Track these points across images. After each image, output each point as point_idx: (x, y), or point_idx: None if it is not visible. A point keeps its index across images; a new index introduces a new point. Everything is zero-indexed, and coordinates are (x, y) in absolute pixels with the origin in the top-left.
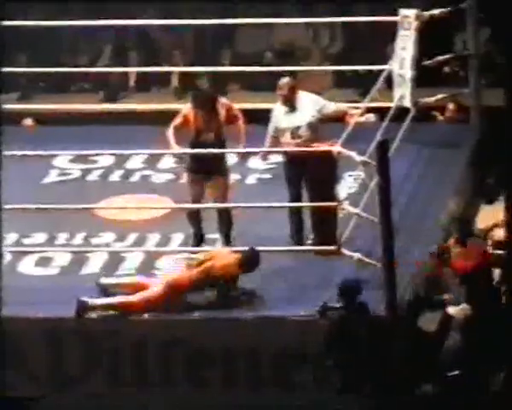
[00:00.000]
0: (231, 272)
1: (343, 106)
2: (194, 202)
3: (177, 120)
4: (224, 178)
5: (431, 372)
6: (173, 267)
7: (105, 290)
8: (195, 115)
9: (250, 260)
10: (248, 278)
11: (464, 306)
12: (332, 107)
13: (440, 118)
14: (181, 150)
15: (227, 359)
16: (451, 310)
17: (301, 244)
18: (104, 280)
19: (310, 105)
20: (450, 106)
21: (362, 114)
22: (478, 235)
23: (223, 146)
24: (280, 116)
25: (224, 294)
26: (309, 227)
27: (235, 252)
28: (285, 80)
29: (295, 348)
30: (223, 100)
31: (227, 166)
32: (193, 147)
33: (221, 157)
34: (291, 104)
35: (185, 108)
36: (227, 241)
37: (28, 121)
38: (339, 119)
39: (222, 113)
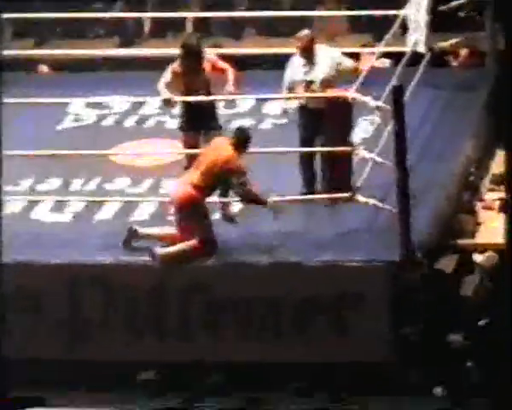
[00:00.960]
0: (234, 162)
1: (360, 65)
2: (190, 159)
3: (168, 76)
4: (219, 134)
5: (457, 320)
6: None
7: (135, 237)
8: (184, 71)
9: (244, 140)
10: (262, 225)
11: (491, 253)
12: (349, 64)
13: (454, 63)
14: (195, 98)
15: (247, 307)
16: (478, 258)
17: (313, 193)
18: (138, 228)
19: (327, 60)
20: (463, 51)
21: (376, 59)
22: (494, 180)
23: (213, 104)
24: (296, 68)
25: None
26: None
27: (226, 140)
28: (304, 32)
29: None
30: (207, 56)
31: (220, 123)
32: (185, 106)
33: (213, 114)
34: (308, 57)
35: (174, 65)
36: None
37: (44, 68)
38: (353, 73)
39: (207, 68)
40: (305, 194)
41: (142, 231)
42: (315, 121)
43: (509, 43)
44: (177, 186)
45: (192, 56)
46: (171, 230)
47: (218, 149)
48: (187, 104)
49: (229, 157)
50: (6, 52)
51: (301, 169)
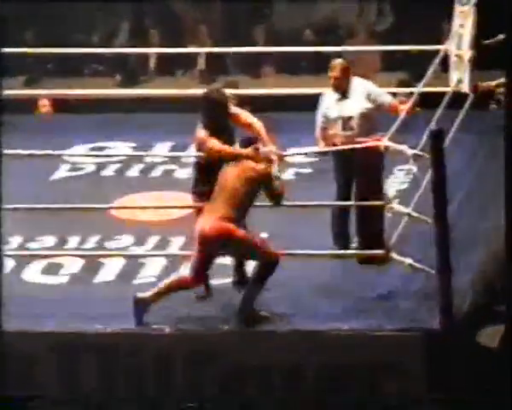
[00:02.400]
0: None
1: (398, 101)
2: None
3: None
4: None
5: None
6: None
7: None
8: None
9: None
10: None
11: None
12: (387, 99)
13: (493, 106)
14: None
15: (265, 376)
16: None
17: (346, 249)
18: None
19: (364, 93)
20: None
21: (414, 105)
22: None
23: None
24: (330, 104)
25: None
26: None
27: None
28: (337, 61)
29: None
30: (232, 109)
31: None
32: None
33: None
34: (343, 90)
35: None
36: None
37: (45, 102)
38: (391, 111)
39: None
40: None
41: (148, 293)
42: (349, 170)
43: None
44: (203, 223)
45: (215, 112)
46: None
47: (238, 169)
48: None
49: (254, 167)
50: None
51: (333, 221)
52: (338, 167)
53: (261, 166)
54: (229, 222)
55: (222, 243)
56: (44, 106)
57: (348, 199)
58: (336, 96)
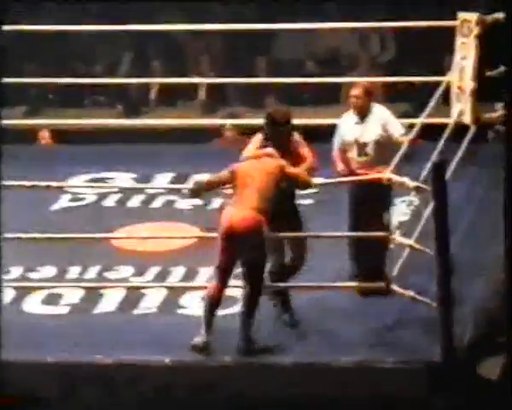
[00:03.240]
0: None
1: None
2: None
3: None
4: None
5: None
6: None
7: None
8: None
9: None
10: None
11: None
12: (398, 132)
13: (492, 135)
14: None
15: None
16: None
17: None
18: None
19: (381, 120)
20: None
21: (416, 137)
22: None
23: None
24: (348, 126)
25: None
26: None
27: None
28: (360, 82)
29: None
30: (295, 137)
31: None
32: None
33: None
34: (362, 113)
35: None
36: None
37: (45, 134)
38: (397, 143)
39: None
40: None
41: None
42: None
43: None
44: (232, 216)
45: (275, 132)
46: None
47: (263, 164)
48: None
49: (279, 163)
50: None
51: (350, 250)
52: (351, 197)
53: (280, 162)
54: (261, 214)
55: (251, 237)
56: (44, 138)
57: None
58: (355, 119)
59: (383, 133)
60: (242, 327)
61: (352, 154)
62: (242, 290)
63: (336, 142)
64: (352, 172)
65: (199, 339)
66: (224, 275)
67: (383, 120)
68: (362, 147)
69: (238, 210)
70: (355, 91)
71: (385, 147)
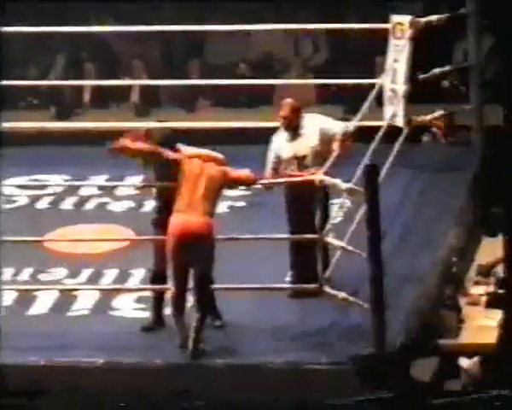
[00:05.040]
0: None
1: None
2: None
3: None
4: None
5: None
6: None
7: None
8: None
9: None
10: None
11: (478, 357)
12: (338, 129)
13: (425, 138)
14: None
15: None
16: (463, 362)
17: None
18: None
19: (316, 128)
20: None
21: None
22: (480, 272)
23: None
24: (282, 143)
25: None
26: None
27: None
28: (287, 101)
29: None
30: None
31: None
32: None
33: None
34: (294, 129)
35: None
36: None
37: None
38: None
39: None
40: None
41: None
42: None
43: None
44: (182, 222)
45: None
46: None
47: (207, 168)
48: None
49: (222, 169)
50: None
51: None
52: (286, 202)
53: (222, 168)
54: (211, 218)
55: (205, 242)
56: None
57: None
58: (287, 135)
59: (320, 142)
60: (195, 332)
61: (292, 169)
62: (193, 297)
63: (270, 160)
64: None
65: (178, 341)
66: (179, 280)
67: (319, 127)
68: (301, 160)
69: (189, 216)
70: (282, 112)
71: (322, 155)
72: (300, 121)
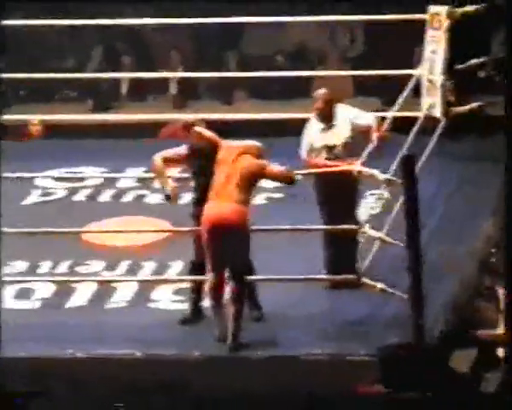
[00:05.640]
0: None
1: (375, 120)
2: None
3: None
4: None
5: None
6: None
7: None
8: None
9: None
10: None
11: None
12: (363, 120)
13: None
14: None
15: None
16: (501, 352)
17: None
18: None
19: (347, 120)
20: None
21: (385, 131)
22: None
23: None
24: (315, 133)
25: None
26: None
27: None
28: (321, 92)
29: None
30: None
31: None
32: None
33: None
34: (327, 120)
35: None
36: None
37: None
38: (366, 133)
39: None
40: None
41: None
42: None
43: None
44: (215, 209)
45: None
46: None
47: (243, 158)
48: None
49: (260, 163)
50: None
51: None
52: (320, 199)
53: (261, 161)
54: (245, 207)
55: (237, 230)
56: (36, 131)
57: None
58: (321, 125)
59: (352, 133)
60: (234, 325)
61: (322, 157)
62: (230, 287)
63: (304, 146)
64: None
65: (216, 334)
66: (216, 270)
67: (350, 119)
68: (331, 150)
69: (221, 204)
70: (317, 104)
71: (354, 146)
72: (333, 112)
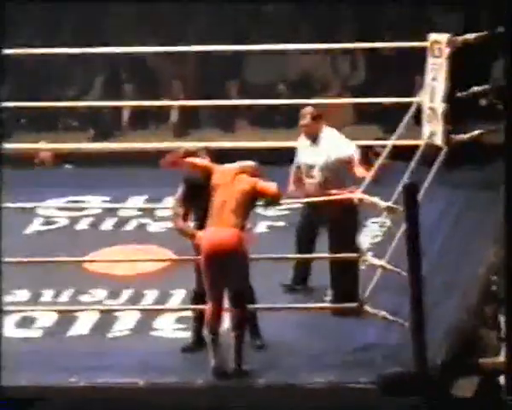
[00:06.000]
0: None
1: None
2: None
3: None
4: None
5: None
6: None
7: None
8: None
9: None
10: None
11: None
12: (343, 152)
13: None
14: None
15: None
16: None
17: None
18: None
19: (332, 143)
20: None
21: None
22: None
23: None
24: (301, 149)
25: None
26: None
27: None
28: (307, 109)
29: None
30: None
31: None
32: None
33: None
34: (313, 137)
35: None
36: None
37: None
38: (348, 167)
39: None
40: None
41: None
42: (316, 222)
43: None
44: (213, 235)
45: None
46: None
47: (235, 183)
48: None
49: (252, 180)
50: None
51: (295, 269)
52: (303, 221)
53: (252, 179)
54: (243, 231)
55: (235, 255)
56: (46, 159)
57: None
58: (307, 142)
59: (331, 157)
60: (236, 353)
61: (303, 175)
62: (230, 314)
63: (294, 165)
64: (304, 194)
65: (212, 365)
66: (214, 297)
67: (336, 143)
68: (309, 169)
69: (218, 229)
70: (303, 121)
71: (334, 172)
72: (320, 130)
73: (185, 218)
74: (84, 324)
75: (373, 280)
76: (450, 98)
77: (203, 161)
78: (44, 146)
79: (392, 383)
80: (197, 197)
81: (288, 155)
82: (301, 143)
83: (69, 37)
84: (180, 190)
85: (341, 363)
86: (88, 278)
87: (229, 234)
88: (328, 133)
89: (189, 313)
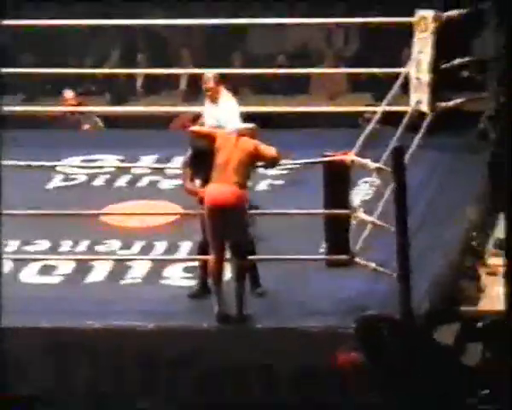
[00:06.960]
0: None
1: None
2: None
3: None
4: None
5: (455, 393)
6: None
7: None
8: None
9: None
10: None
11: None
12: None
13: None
14: None
15: (239, 376)
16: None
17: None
18: None
19: (232, 106)
20: None
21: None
22: (498, 245)
23: None
24: (206, 113)
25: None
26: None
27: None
28: (210, 74)
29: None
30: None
31: None
32: None
33: None
34: (213, 102)
35: None
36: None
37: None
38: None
39: None
40: None
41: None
42: None
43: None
44: (215, 190)
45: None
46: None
47: (240, 142)
48: None
49: (255, 144)
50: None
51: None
52: None
53: (253, 142)
54: (243, 189)
55: (233, 210)
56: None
57: None
58: (209, 105)
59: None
60: (237, 299)
61: None
62: (231, 265)
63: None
64: None
65: (215, 310)
66: (217, 249)
67: (224, 112)
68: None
69: (220, 186)
70: (206, 85)
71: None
72: (219, 96)
73: (192, 178)
74: (99, 272)
75: (363, 235)
76: (435, 69)
77: (207, 129)
78: (66, 109)
79: (368, 325)
80: (202, 161)
81: (287, 121)
82: (206, 107)
83: (86, 11)
84: (187, 154)
85: (336, 310)
86: (103, 230)
87: (230, 190)
88: (227, 100)
89: (195, 263)
